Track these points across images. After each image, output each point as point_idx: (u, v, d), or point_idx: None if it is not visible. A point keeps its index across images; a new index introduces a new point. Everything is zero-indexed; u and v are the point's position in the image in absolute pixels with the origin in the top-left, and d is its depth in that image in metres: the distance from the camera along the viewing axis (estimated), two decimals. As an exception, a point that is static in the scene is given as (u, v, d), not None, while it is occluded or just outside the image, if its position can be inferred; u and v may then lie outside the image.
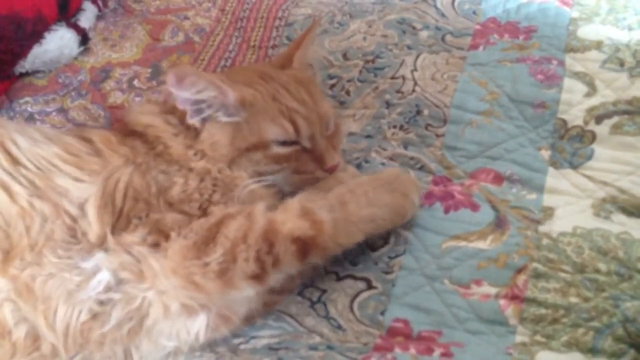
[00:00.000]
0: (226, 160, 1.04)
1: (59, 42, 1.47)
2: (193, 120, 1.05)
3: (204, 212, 0.98)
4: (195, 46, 1.55)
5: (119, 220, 0.96)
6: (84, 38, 1.53)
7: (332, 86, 1.38)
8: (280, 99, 1.07)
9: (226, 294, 0.92)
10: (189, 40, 1.57)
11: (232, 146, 1.04)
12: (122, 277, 0.92)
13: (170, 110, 1.09)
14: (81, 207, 0.96)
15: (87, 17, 1.58)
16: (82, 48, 1.53)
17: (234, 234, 0.92)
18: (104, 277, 0.92)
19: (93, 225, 0.95)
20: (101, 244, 0.94)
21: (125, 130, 1.09)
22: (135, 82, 1.46)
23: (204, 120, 1.06)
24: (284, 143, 1.06)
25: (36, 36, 1.43)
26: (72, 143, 1.02)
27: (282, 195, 1.07)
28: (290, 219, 0.95)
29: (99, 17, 1.64)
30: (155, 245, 0.93)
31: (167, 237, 0.93)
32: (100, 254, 0.93)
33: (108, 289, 0.92)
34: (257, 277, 0.92)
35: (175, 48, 1.55)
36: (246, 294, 0.94)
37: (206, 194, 1.00)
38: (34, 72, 1.48)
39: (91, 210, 0.95)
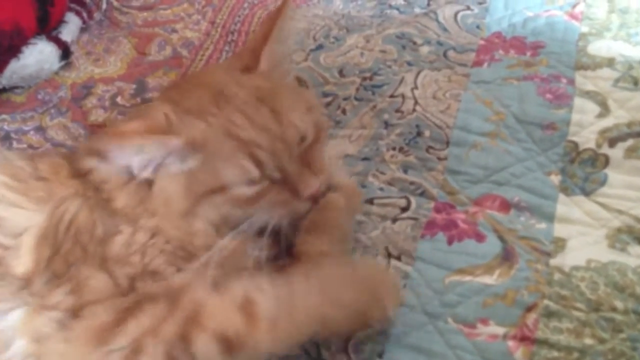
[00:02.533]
0: (183, 215, 0.92)
1: (38, 56, 1.42)
2: (143, 174, 0.91)
3: (131, 284, 0.87)
4: (183, 61, 1.50)
5: (55, 257, 0.87)
6: (65, 52, 1.48)
7: (328, 104, 1.32)
8: (236, 132, 0.91)
9: None
10: (177, 54, 1.52)
11: (186, 194, 0.91)
12: (21, 351, 0.83)
13: None
14: (17, 236, 0.87)
15: (69, 30, 1.53)
16: (63, 62, 1.48)
17: (148, 321, 0.82)
18: (20, 346, 0.83)
19: (24, 257, 0.85)
20: (26, 284, 0.85)
21: (76, 166, 0.96)
22: (119, 99, 1.40)
23: (156, 170, 0.92)
24: (248, 182, 0.93)
25: (13, 50, 1.38)
26: (24, 167, 0.94)
27: (282, 235, 0.97)
28: (223, 309, 0.84)
29: (83, 30, 1.59)
30: (67, 311, 0.83)
31: (82, 306, 0.84)
32: (17, 313, 0.84)
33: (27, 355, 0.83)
34: None
35: (162, 63, 1.50)
36: None
37: (149, 257, 0.89)
38: (12, 88, 1.43)
39: (28, 240, 0.86)
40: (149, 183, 0.91)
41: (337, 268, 0.93)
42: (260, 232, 0.94)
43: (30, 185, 0.91)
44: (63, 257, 0.86)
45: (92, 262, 0.86)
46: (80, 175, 0.93)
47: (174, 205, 0.91)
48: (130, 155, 0.88)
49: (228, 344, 0.82)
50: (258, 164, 0.90)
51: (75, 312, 0.83)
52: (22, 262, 0.85)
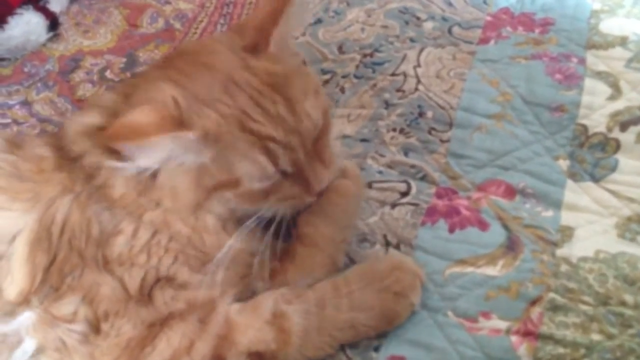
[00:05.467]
0: (190, 208, 0.87)
1: (24, 27, 1.40)
2: (149, 168, 0.85)
3: (146, 289, 0.84)
4: (176, 34, 1.47)
5: (51, 267, 0.83)
6: (53, 23, 1.45)
7: (326, 82, 1.28)
8: (250, 125, 0.85)
9: None
10: (170, 27, 1.49)
11: (196, 187, 0.86)
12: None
13: None
14: (9, 242, 0.83)
15: (58, 0, 1.49)
16: (51, 34, 1.45)
17: (179, 341, 0.81)
18: (30, 346, 0.81)
19: (17, 272, 0.82)
20: (23, 303, 0.82)
21: (63, 150, 0.90)
22: (107, 73, 1.38)
23: (163, 162, 0.85)
24: (260, 177, 0.88)
25: (-2, 21, 1.35)
26: (4, 164, 0.88)
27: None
28: (254, 324, 0.83)
29: (73, 0, 1.56)
30: (88, 324, 0.82)
31: (99, 319, 0.82)
32: (24, 316, 0.81)
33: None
34: None
35: (153, 36, 1.47)
36: None
37: (155, 256, 0.85)
38: (-2, 60, 1.41)
39: (21, 247, 0.82)
40: (153, 173, 0.85)
41: (360, 268, 0.92)
42: (263, 227, 0.92)
43: (14, 186, 0.86)
44: (59, 267, 0.83)
45: (94, 265, 0.83)
46: (67, 163, 0.87)
47: (182, 199, 0.86)
48: (151, 155, 0.81)
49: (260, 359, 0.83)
50: (273, 159, 0.85)
51: (95, 326, 0.82)
52: (16, 279, 0.82)
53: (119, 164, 0.82)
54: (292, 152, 0.86)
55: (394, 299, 0.88)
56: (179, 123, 0.81)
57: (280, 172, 0.88)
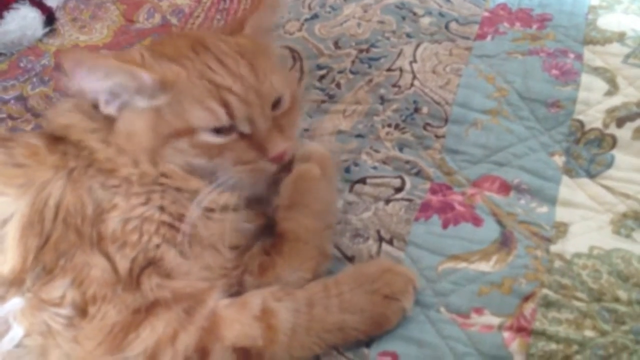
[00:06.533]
0: (147, 152, 0.89)
1: (20, 22, 1.40)
2: (108, 109, 0.89)
3: (136, 272, 0.84)
4: (173, 29, 1.46)
5: (45, 248, 0.83)
6: (49, 18, 1.45)
7: (322, 77, 1.28)
8: (210, 75, 0.89)
9: None
10: (166, 22, 1.49)
11: (152, 133, 0.88)
12: (26, 343, 0.81)
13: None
14: (1, 225, 0.84)
15: None
16: (47, 29, 1.45)
17: (164, 329, 0.81)
18: (17, 333, 0.81)
19: (9, 252, 0.82)
20: (16, 283, 0.82)
21: (51, 135, 0.93)
22: None
23: (121, 108, 0.90)
24: (216, 130, 0.90)
25: (-6, 15, 1.35)
26: None
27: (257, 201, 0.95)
28: (241, 319, 0.83)
29: None
30: (74, 307, 0.82)
31: (87, 302, 0.82)
32: (12, 302, 0.82)
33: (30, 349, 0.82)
34: None
35: (150, 31, 1.47)
36: None
37: (147, 234, 0.86)
38: (-6, 55, 1.41)
39: (12, 231, 0.83)
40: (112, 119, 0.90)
41: (351, 270, 0.92)
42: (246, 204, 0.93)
43: (7, 172, 0.87)
44: (53, 247, 0.83)
45: (88, 244, 0.84)
46: (59, 148, 0.90)
47: (137, 142, 0.88)
48: (98, 80, 0.86)
49: (246, 356, 0.82)
50: (228, 110, 0.88)
51: (82, 309, 0.82)
52: (8, 259, 0.82)
53: (65, 78, 0.87)
54: (249, 108, 0.89)
55: (383, 303, 0.88)
56: (137, 65, 0.87)
57: (235, 130, 0.90)
